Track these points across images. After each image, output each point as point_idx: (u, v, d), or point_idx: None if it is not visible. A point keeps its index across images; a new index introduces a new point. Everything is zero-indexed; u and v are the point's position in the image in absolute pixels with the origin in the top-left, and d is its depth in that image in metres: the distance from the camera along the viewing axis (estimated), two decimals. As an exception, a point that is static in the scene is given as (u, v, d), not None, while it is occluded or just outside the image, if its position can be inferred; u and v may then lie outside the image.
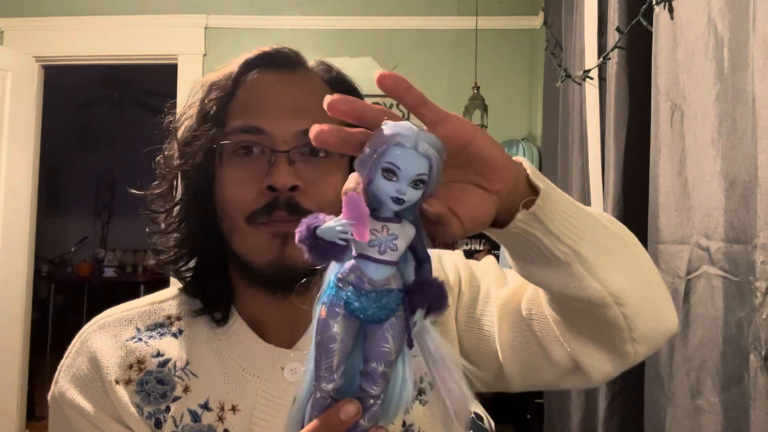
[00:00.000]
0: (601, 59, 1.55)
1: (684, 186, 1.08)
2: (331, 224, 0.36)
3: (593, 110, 1.64)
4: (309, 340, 0.40)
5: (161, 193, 0.72)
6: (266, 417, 0.66)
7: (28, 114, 3.14)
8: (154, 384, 0.67)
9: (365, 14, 3.12)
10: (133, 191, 0.74)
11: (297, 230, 0.38)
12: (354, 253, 0.37)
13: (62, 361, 0.70)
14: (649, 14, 1.27)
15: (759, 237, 0.84)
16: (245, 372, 0.67)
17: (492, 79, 2.92)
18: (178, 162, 0.70)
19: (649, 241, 1.20)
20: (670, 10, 1.14)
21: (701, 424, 0.99)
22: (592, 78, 1.64)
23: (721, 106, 0.97)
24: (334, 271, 0.39)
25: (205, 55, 3.13)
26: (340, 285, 0.38)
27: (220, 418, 0.65)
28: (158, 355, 0.68)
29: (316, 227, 0.37)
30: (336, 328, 0.37)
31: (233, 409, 0.66)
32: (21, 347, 3.09)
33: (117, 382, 0.65)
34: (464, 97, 2.75)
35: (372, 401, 0.39)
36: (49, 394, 0.68)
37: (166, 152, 0.72)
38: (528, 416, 2.37)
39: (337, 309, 0.37)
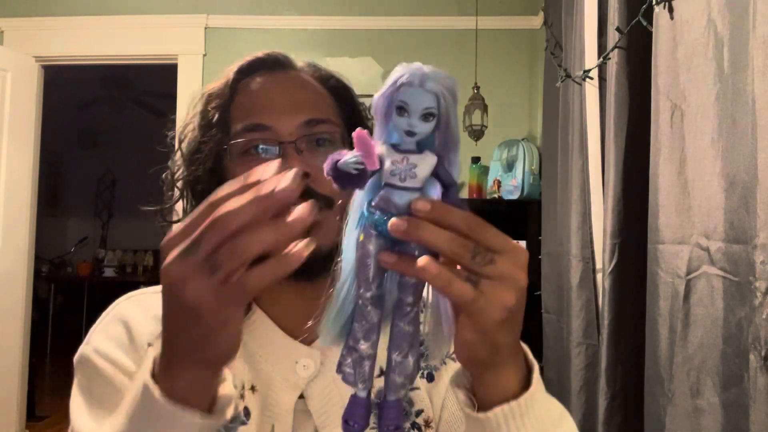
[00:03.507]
0: (601, 59, 1.55)
1: (684, 186, 1.08)
2: (347, 158, 0.42)
3: (593, 110, 1.64)
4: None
5: (172, 206, 0.75)
6: (278, 400, 0.69)
7: (28, 114, 3.15)
8: None
9: (365, 14, 3.12)
10: (144, 208, 0.77)
11: (324, 165, 0.42)
12: (382, 182, 0.43)
13: (93, 327, 0.72)
14: (649, 14, 1.27)
15: (759, 237, 0.84)
16: (261, 358, 0.70)
17: (492, 79, 2.92)
18: (187, 171, 0.73)
19: (649, 241, 1.20)
20: (670, 10, 1.14)
21: (701, 424, 0.99)
22: (592, 78, 1.64)
23: (721, 106, 0.97)
24: (360, 201, 0.44)
25: (205, 55, 3.13)
26: (372, 211, 0.43)
27: (242, 396, 0.68)
28: None
29: (337, 161, 0.42)
30: (370, 246, 0.43)
31: (252, 388, 0.68)
32: (21, 347, 3.10)
33: (150, 346, 0.67)
34: (464, 97, 2.75)
35: (408, 308, 0.44)
36: (76, 355, 0.69)
37: (171, 167, 0.76)
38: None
39: (371, 230, 0.43)
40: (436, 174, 0.43)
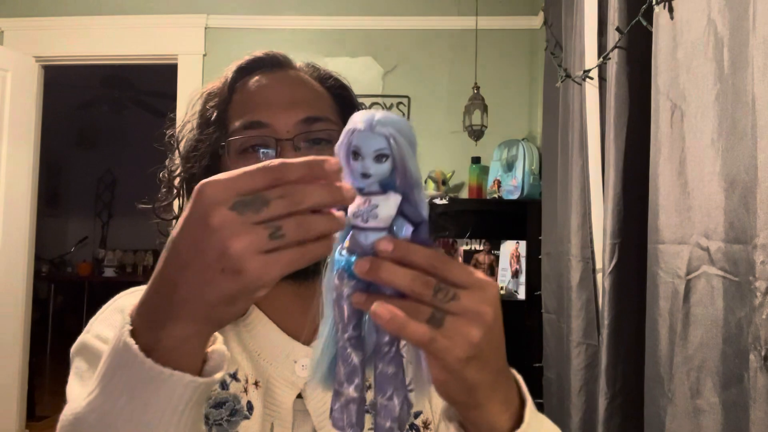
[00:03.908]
0: (601, 59, 1.55)
1: (684, 186, 1.08)
2: None
3: (593, 110, 1.64)
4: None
5: (169, 203, 0.75)
6: (278, 399, 0.69)
7: (28, 114, 3.14)
8: None
9: (365, 14, 3.12)
10: (141, 206, 0.77)
11: None
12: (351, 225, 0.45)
13: (93, 319, 0.70)
14: (649, 14, 1.27)
15: (759, 237, 0.84)
16: (260, 358, 0.70)
17: (492, 79, 2.92)
18: (183, 169, 0.73)
19: (649, 241, 1.20)
20: (670, 10, 1.14)
21: (701, 424, 0.99)
22: (592, 78, 1.64)
23: (721, 106, 0.97)
24: (335, 245, 0.45)
25: (205, 55, 3.13)
26: (343, 253, 0.44)
27: (245, 390, 0.68)
28: None
29: None
30: (344, 288, 0.44)
31: (256, 383, 0.69)
32: (21, 347, 3.09)
33: None
34: (464, 97, 2.75)
35: (386, 348, 0.45)
36: (74, 345, 0.67)
37: (169, 166, 0.75)
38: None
39: (344, 272, 0.44)
40: (402, 212, 0.44)
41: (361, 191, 0.43)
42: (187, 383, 0.43)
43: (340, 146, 0.43)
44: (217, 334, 0.50)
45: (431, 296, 0.41)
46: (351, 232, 0.44)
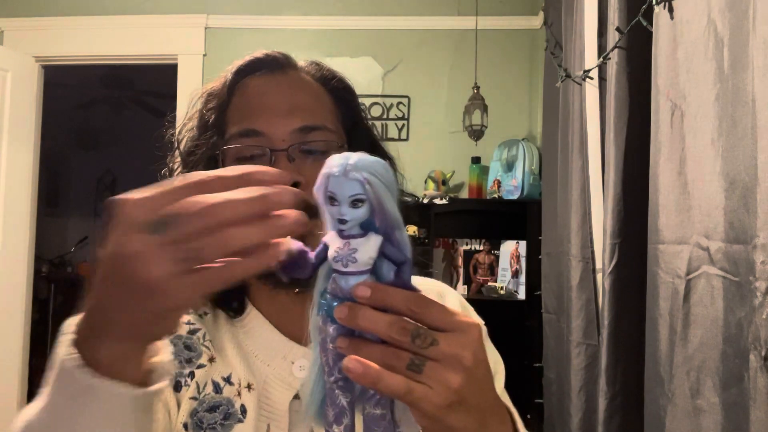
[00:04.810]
0: (601, 59, 1.55)
1: (684, 186, 1.08)
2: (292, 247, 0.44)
3: (593, 110, 1.64)
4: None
5: None
6: (274, 400, 0.69)
7: (28, 114, 3.14)
8: (181, 348, 0.69)
9: (365, 14, 3.12)
10: None
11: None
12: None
13: None
14: (649, 14, 1.27)
15: (759, 237, 0.84)
16: (257, 359, 0.70)
17: (492, 79, 2.92)
18: (182, 169, 0.73)
19: (649, 241, 1.20)
20: (670, 10, 1.14)
21: (701, 424, 0.99)
22: (592, 78, 1.64)
23: (721, 106, 0.97)
24: (318, 288, 0.46)
25: (205, 55, 3.13)
26: (327, 296, 0.44)
27: (239, 393, 0.68)
28: (188, 323, 0.71)
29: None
30: (330, 330, 0.44)
31: (249, 386, 0.69)
32: (21, 347, 3.09)
33: None
34: (464, 97, 2.75)
35: (372, 391, 0.44)
36: None
37: (170, 165, 0.75)
38: (528, 416, 2.37)
39: (326, 317, 0.44)
40: (384, 253, 0.43)
41: (341, 233, 0.43)
42: (122, 393, 0.43)
43: (317, 190, 0.42)
44: (163, 344, 0.49)
45: (409, 342, 0.41)
46: (333, 276, 0.44)
